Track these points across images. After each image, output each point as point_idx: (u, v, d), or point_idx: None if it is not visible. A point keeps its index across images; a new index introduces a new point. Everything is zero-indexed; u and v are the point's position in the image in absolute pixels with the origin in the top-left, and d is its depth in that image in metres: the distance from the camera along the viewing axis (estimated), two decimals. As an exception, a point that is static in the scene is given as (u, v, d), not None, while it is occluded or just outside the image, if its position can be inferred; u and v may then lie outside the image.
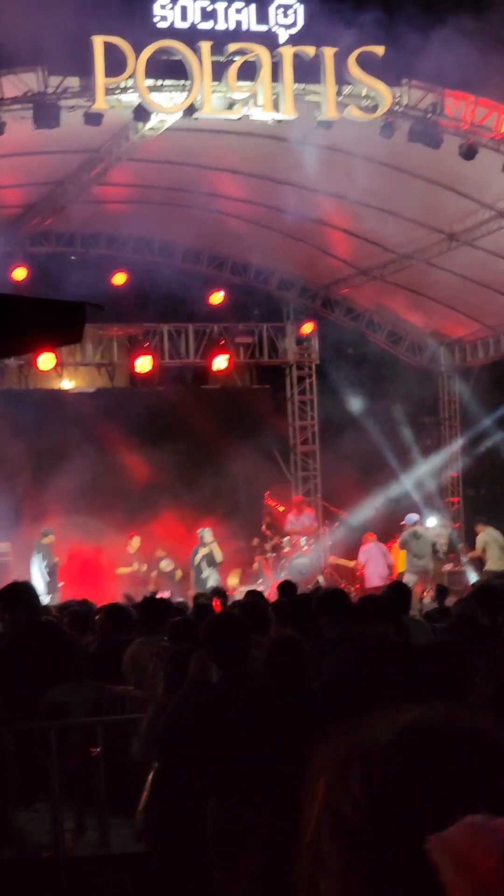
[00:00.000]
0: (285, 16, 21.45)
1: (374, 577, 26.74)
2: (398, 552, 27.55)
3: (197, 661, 7.92)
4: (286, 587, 15.49)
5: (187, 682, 7.93)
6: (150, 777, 7.93)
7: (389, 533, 28.45)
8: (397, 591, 12.00)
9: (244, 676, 7.49)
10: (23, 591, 9.94)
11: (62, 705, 9.25)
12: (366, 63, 21.44)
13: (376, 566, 27.09)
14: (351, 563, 28.18)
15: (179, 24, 21.07)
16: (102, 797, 9.69)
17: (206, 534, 27.19)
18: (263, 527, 29.11)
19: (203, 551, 26.94)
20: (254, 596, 14.57)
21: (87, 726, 9.21)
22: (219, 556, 27.01)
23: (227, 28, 21.29)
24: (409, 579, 24.59)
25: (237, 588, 25.66)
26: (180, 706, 7.74)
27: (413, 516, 28.06)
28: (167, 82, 21.15)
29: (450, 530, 30.65)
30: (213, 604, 14.92)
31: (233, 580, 27.85)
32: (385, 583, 23.45)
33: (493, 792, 1.53)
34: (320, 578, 27.35)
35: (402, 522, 27.83)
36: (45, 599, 21.96)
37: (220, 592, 19.11)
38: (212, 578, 26.54)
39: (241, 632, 7.61)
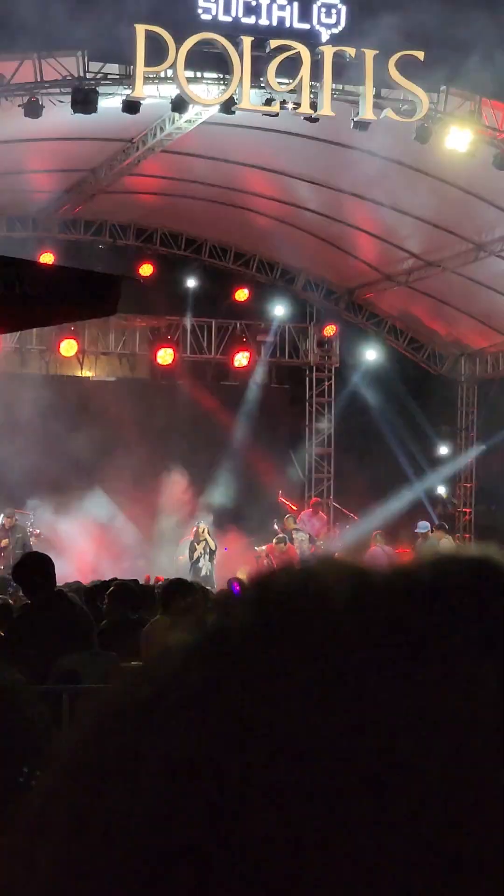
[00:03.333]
0: (328, 15, 21.51)
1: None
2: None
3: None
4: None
5: None
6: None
7: (398, 539, 28.47)
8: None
9: None
10: (38, 563, 10.02)
11: (72, 673, 9.32)
12: (405, 67, 21.48)
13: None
14: (359, 564, 28.21)
15: (222, 18, 21.13)
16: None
17: (202, 524, 27.37)
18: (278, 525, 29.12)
19: (201, 545, 27.15)
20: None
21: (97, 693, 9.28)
22: (212, 544, 27.28)
23: (270, 24, 21.34)
24: None
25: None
26: None
27: (425, 524, 28.08)
28: (207, 75, 21.21)
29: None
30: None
31: (241, 575, 27.87)
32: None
33: None
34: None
35: (416, 530, 27.83)
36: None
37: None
38: (205, 568, 26.81)
39: None
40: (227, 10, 21.13)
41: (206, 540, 27.24)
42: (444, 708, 0.67)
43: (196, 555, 27.14)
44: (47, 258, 27.74)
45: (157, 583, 19.94)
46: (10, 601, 13.23)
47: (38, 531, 27.22)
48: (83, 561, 25.07)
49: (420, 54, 21.38)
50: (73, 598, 11.12)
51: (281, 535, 28.64)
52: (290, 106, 21.36)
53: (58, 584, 10.55)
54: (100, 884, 0.65)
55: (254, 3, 21.26)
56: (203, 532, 27.29)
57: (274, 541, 28.55)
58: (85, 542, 26.71)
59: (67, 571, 20.66)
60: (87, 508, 27.39)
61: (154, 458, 28.72)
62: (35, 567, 9.96)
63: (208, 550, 27.18)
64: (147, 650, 10.87)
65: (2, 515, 26.81)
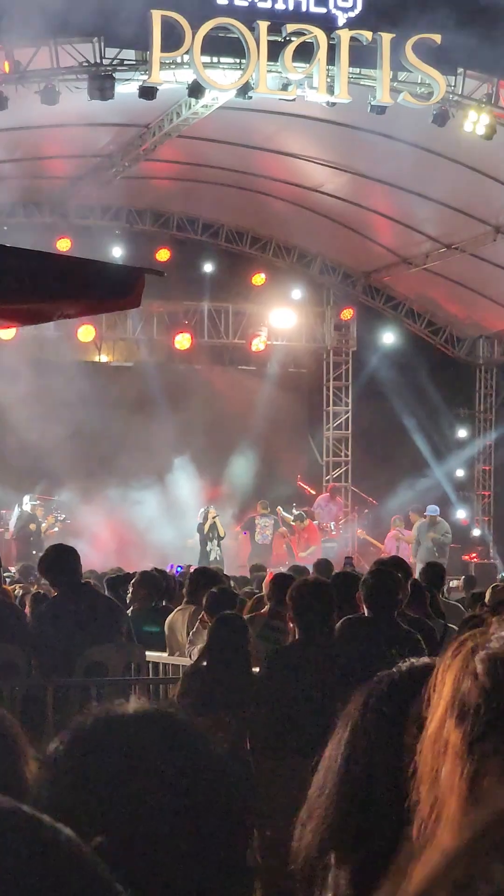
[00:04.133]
0: (344, -1, 21.45)
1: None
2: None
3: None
4: (323, 565, 15.61)
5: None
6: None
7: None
8: (432, 571, 12.07)
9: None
10: (64, 554, 10.02)
11: (98, 665, 9.35)
12: (422, 50, 21.42)
13: (398, 553, 27.09)
14: (379, 545, 28.29)
15: (239, 2, 21.08)
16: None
17: (210, 509, 27.48)
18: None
19: (209, 528, 27.29)
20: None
21: (122, 686, 9.30)
22: (221, 531, 27.32)
23: (286, 8, 21.28)
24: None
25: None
26: None
27: (434, 507, 28.03)
28: (223, 59, 21.16)
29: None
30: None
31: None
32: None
33: None
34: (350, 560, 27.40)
35: (425, 514, 27.82)
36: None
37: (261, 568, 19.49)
38: (214, 553, 26.90)
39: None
40: (243, -5, 21.09)
41: (215, 525, 27.34)
42: None
43: (205, 539, 27.28)
44: (64, 244, 27.75)
45: (178, 571, 20.07)
46: (39, 590, 13.23)
47: (62, 517, 27.30)
48: (101, 548, 25.13)
49: (437, 37, 21.30)
50: (98, 587, 11.15)
51: (299, 513, 28.70)
52: (306, 91, 21.30)
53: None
54: None
55: (270, -12, 21.20)
56: (212, 517, 27.38)
57: (292, 519, 28.61)
58: (103, 528, 26.77)
59: (85, 559, 20.72)
60: (105, 494, 27.45)
61: (171, 442, 28.74)
62: (58, 558, 9.97)
63: (216, 536, 27.28)
64: (173, 638, 10.91)
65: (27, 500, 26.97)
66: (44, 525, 26.96)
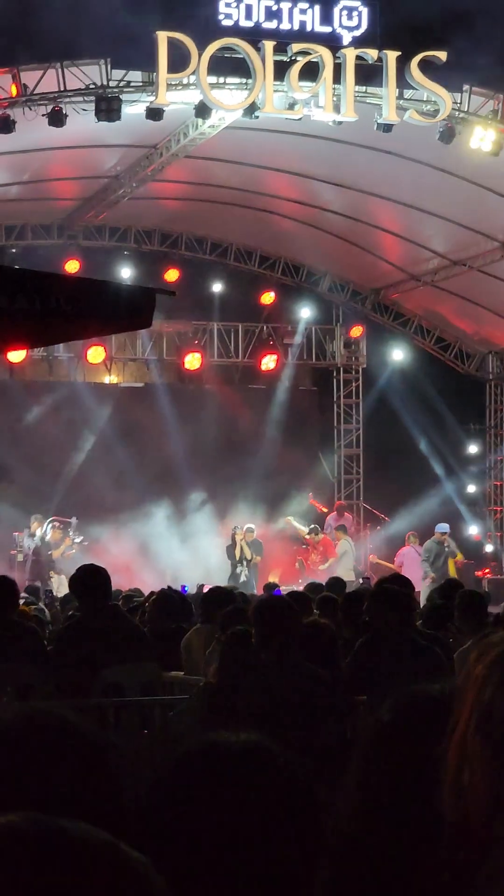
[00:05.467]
0: (349, 18, 21.49)
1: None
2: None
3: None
4: (336, 584, 15.62)
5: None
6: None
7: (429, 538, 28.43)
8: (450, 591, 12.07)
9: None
10: (92, 575, 9.96)
11: (115, 685, 9.34)
12: (428, 68, 21.46)
13: (412, 570, 27.01)
14: (392, 566, 28.21)
15: (244, 23, 21.14)
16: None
17: (238, 531, 27.47)
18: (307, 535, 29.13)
19: (238, 551, 27.27)
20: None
21: (140, 707, 9.30)
22: (248, 553, 27.26)
23: (291, 28, 21.34)
24: (428, 584, 24.57)
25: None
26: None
27: (443, 525, 27.96)
28: (229, 80, 21.22)
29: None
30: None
31: (273, 578, 27.93)
32: (420, 586, 23.50)
33: None
34: (360, 580, 27.38)
35: (436, 530, 27.79)
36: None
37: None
38: (243, 574, 26.83)
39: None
40: (248, 16, 21.15)
41: (242, 546, 27.30)
42: None
43: (234, 561, 27.27)
44: (73, 266, 27.79)
45: (184, 590, 20.08)
46: (45, 609, 13.24)
47: (80, 539, 27.27)
48: (116, 569, 25.08)
49: (442, 55, 21.35)
50: (120, 609, 11.13)
51: (314, 526, 28.72)
52: (312, 110, 21.35)
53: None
54: None
55: (275, 8, 21.26)
56: (240, 538, 27.34)
57: (306, 532, 28.61)
58: (115, 549, 26.76)
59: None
60: (116, 514, 27.43)
61: (182, 462, 28.78)
62: (85, 579, 9.90)
63: (244, 558, 27.22)
64: (188, 658, 10.91)
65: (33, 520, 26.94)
66: (61, 547, 26.92)
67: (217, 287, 30.79)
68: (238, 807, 1.87)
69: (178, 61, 20.65)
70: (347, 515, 30.93)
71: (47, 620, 14.46)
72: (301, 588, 22.18)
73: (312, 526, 28.79)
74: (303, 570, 28.19)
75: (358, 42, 21.47)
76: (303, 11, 21.39)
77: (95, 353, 29.12)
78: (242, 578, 26.48)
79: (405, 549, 28.15)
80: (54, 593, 21.77)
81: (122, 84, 21.10)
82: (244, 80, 21.13)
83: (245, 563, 27.24)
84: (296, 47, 21.12)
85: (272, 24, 21.26)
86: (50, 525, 26.98)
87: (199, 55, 20.60)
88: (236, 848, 1.81)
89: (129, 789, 2.19)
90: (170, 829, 1.92)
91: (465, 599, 10.44)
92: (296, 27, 21.34)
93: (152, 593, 13.80)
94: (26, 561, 26.66)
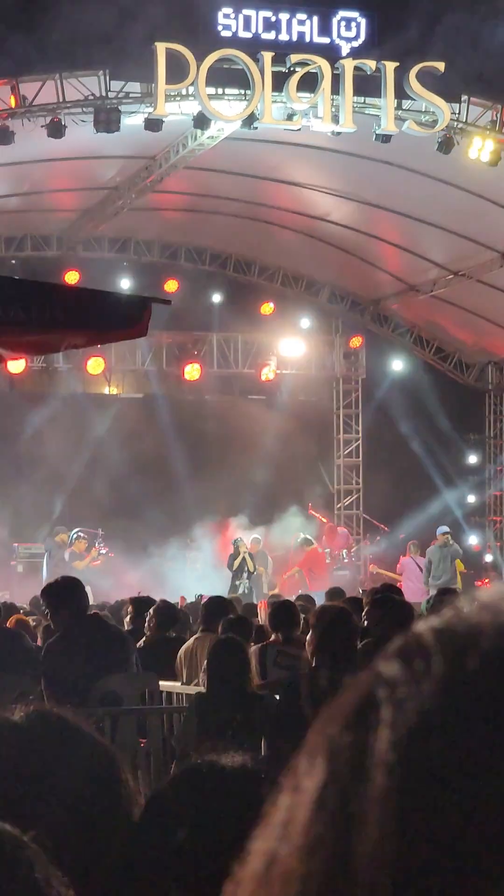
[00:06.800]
0: (348, 28, 21.52)
1: (408, 591, 26.57)
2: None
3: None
4: (335, 593, 15.63)
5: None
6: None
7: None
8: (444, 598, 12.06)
9: None
10: (69, 587, 9.95)
11: (113, 695, 9.34)
12: (426, 78, 21.49)
13: (412, 580, 26.97)
14: (393, 575, 28.17)
15: (242, 34, 21.17)
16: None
17: (241, 543, 27.35)
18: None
19: (238, 560, 27.16)
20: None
21: (138, 716, 9.31)
22: (250, 565, 27.14)
23: (290, 39, 21.38)
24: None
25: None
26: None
27: (443, 528, 27.94)
28: (228, 91, 21.25)
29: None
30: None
31: (274, 592, 27.88)
32: (420, 597, 23.44)
33: None
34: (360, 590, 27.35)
35: (437, 533, 27.73)
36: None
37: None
38: (243, 587, 26.71)
39: None
40: (246, 27, 21.18)
41: (246, 558, 27.16)
42: None
43: (236, 573, 27.16)
44: (72, 277, 27.81)
45: (186, 602, 20.08)
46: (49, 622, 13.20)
47: (105, 550, 27.27)
48: (128, 581, 25.09)
49: (440, 65, 21.38)
50: (107, 617, 11.14)
51: (305, 537, 28.58)
52: (311, 120, 21.37)
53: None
54: None
55: (273, 19, 21.30)
56: (244, 550, 27.20)
57: (299, 542, 28.46)
58: (125, 561, 26.80)
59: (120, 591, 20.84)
60: (117, 525, 27.44)
61: (182, 473, 28.79)
62: (57, 591, 9.87)
63: (245, 570, 27.07)
64: (188, 667, 10.92)
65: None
66: (86, 559, 26.87)
67: (217, 298, 30.83)
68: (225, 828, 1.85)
69: (177, 72, 20.68)
70: (340, 530, 30.78)
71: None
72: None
73: (305, 537, 28.63)
74: (302, 581, 28.12)
75: (356, 53, 21.50)
76: (301, 22, 21.42)
77: (95, 364, 29.16)
78: (242, 590, 26.26)
79: (405, 559, 28.14)
80: None
81: (120, 95, 21.14)
82: (243, 91, 21.16)
83: (247, 574, 27.09)
84: (294, 58, 21.14)
85: (271, 35, 21.30)
86: (76, 536, 26.98)
87: (198, 66, 20.63)
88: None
89: (131, 793, 2.21)
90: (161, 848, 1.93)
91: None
92: (294, 38, 21.37)
93: (132, 599, 13.83)
94: (38, 571, 26.54)
